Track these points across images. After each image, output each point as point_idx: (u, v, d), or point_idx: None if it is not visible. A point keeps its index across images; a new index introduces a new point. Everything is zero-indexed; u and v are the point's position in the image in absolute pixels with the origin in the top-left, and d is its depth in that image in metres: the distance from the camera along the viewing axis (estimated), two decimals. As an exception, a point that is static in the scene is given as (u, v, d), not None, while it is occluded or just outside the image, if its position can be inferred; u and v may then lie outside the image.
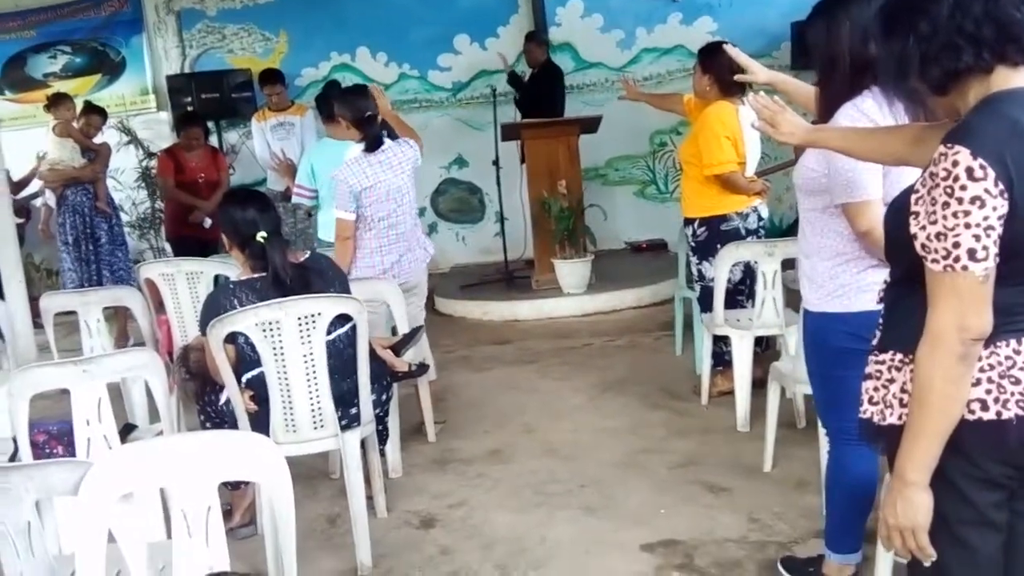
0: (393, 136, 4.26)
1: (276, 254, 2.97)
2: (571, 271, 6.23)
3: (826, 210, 2.30)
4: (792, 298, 3.26)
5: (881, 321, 1.75)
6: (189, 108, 7.32)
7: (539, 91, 7.22)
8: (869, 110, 2.17)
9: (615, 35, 7.93)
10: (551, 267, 6.31)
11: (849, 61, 2.20)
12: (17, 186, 6.90)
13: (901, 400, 1.63)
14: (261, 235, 2.96)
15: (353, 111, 3.92)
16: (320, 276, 3.09)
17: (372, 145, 3.89)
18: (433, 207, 8.25)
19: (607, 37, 7.93)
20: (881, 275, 2.22)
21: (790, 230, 6.38)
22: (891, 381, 1.66)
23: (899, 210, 1.62)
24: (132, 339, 5.89)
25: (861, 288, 2.26)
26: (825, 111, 2.27)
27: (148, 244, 7.67)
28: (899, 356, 1.64)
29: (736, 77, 2.76)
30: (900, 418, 1.62)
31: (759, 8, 7.71)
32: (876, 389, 1.71)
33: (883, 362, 1.69)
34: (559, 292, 6.29)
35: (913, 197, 1.53)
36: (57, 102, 6.18)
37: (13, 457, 2.82)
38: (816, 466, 3.00)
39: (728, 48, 2.77)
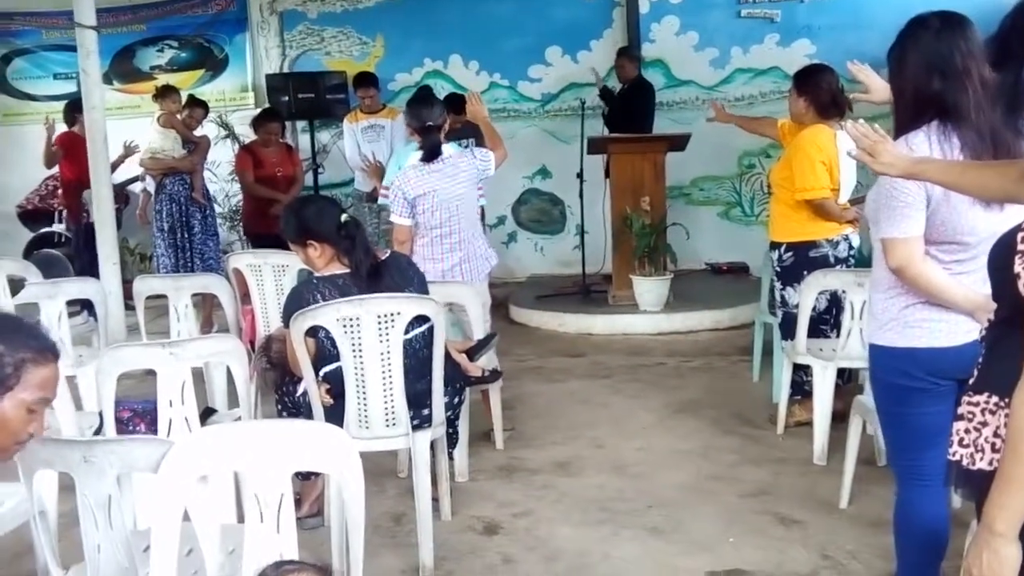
0: (480, 142, 4.28)
1: (359, 248, 3.02)
2: (649, 288, 6.17)
3: (879, 239, 2.25)
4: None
5: (980, 360, 1.68)
6: (285, 105, 7.53)
7: (629, 106, 7.19)
8: (917, 146, 2.13)
9: (709, 53, 7.85)
10: (629, 283, 6.26)
11: (914, 93, 2.17)
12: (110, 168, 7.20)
13: (993, 445, 1.56)
14: (344, 216, 3.03)
15: (416, 119, 3.98)
16: (401, 274, 3.13)
17: (429, 155, 3.93)
18: (514, 216, 8.28)
19: (701, 55, 7.85)
20: (934, 313, 2.18)
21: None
22: (984, 424, 1.59)
23: (1005, 246, 1.56)
24: (216, 326, 6.06)
25: (908, 323, 2.20)
26: (895, 139, 2.22)
27: (237, 236, 7.89)
28: (994, 399, 1.57)
29: (853, 97, 2.71)
30: (991, 463, 1.55)
31: (860, 32, 7.50)
32: (967, 431, 1.64)
33: (976, 404, 1.63)
34: (635, 309, 6.23)
35: (1020, 235, 1.47)
36: (165, 94, 6.44)
37: (98, 431, 2.93)
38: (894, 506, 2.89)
39: (851, 66, 2.74)
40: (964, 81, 2.10)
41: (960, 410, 1.67)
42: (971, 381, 1.70)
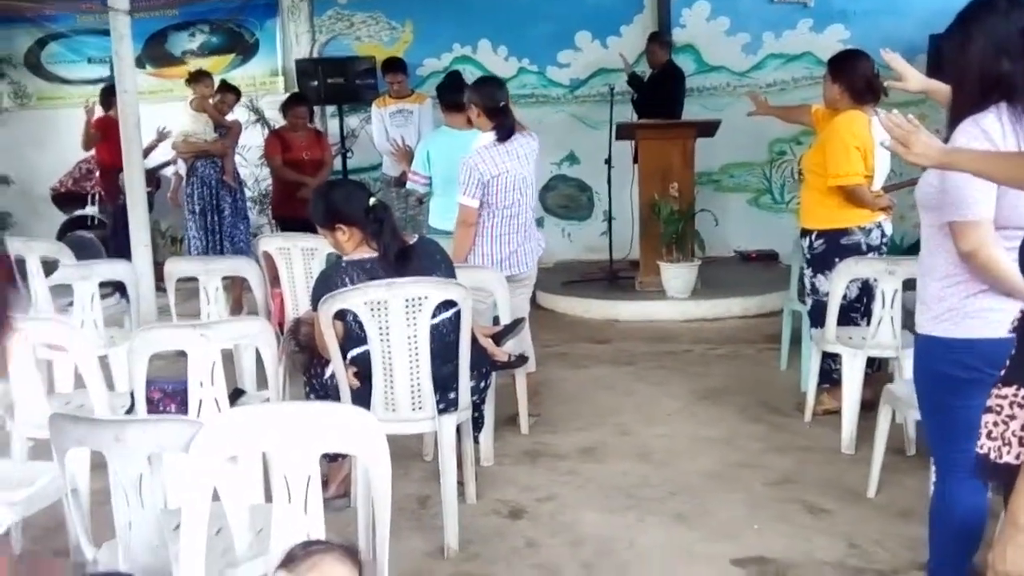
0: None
1: (388, 231, 3.04)
2: (676, 274, 6.14)
3: (940, 228, 2.20)
4: (910, 320, 3.11)
5: (1012, 352, 1.66)
6: (315, 90, 7.56)
7: (658, 92, 7.12)
8: (989, 126, 2.08)
9: (741, 39, 7.74)
10: (656, 269, 6.22)
11: (979, 75, 2.12)
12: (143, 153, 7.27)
13: (1021, 439, 1.54)
14: (372, 200, 3.04)
15: (488, 100, 3.96)
16: (429, 258, 3.14)
17: (505, 135, 3.93)
18: (542, 202, 8.23)
19: (732, 40, 7.75)
20: (994, 302, 2.14)
21: (911, 249, 6.10)
22: (1011, 418, 1.58)
23: None
24: (246, 308, 6.12)
25: (968, 314, 2.16)
26: (951, 123, 2.18)
27: (266, 219, 7.95)
28: (1023, 392, 1.55)
29: (888, 84, 2.67)
30: (1018, 457, 1.54)
31: (895, 18, 7.39)
32: (996, 424, 1.63)
33: (1005, 396, 1.61)
34: (663, 295, 6.20)
35: None
36: (198, 78, 6.49)
37: (130, 411, 2.98)
38: (924, 496, 2.86)
39: (884, 54, 2.70)
40: None
41: (989, 402, 1.65)
42: (1003, 372, 1.68)
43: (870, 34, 7.39)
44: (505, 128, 3.94)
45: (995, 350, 2.14)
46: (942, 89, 2.63)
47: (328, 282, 2.98)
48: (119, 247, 6.68)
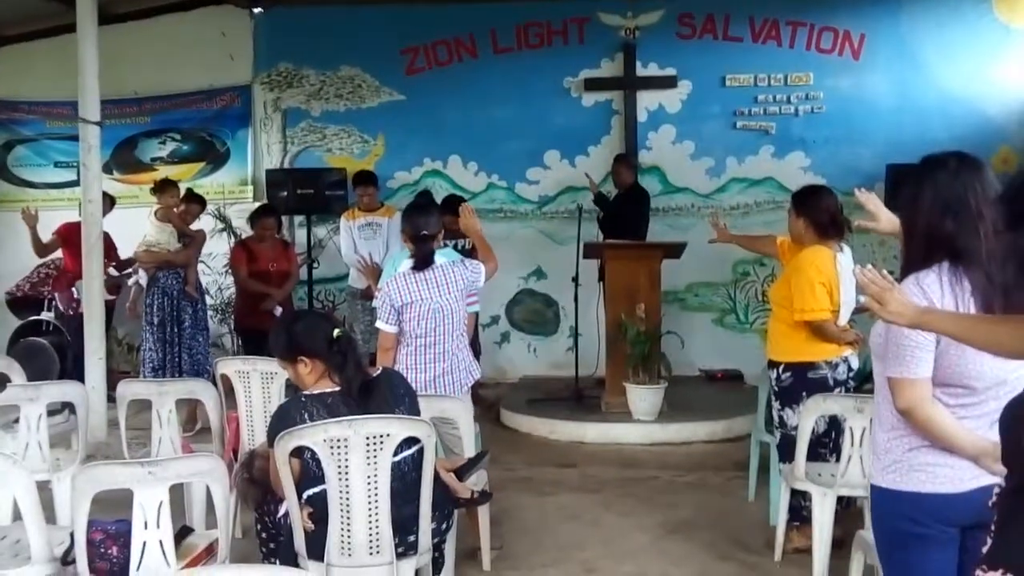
0: (472, 254, 4.26)
1: (351, 365, 2.95)
2: (643, 397, 6.09)
3: (886, 379, 2.18)
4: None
5: (993, 530, 1.60)
6: (284, 200, 7.59)
7: (624, 212, 7.24)
8: (929, 286, 2.10)
9: (705, 162, 7.96)
10: (622, 390, 6.17)
11: (926, 231, 2.15)
12: (123, 265, 7.18)
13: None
14: (337, 331, 2.97)
15: (411, 227, 3.98)
16: (392, 391, 3.05)
17: (420, 264, 3.93)
18: (507, 316, 8.24)
19: (697, 164, 7.96)
20: (939, 457, 2.10)
21: (871, 376, 6.13)
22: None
23: (1014, 416, 1.51)
24: (200, 423, 5.94)
25: (913, 467, 2.13)
26: (902, 274, 2.19)
27: (228, 328, 7.83)
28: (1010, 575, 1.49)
29: (859, 224, 2.70)
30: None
31: (854, 147, 7.66)
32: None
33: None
34: (628, 417, 6.13)
35: None
36: (163, 188, 6.45)
37: (68, 552, 2.80)
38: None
39: (859, 193, 2.73)
40: (977, 224, 2.09)
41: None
42: (985, 551, 1.62)
43: (829, 162, 7.68)
44: (421, 257, 3.94)
45: (943, 506, 2.11)
46: None
47: (286, 418, 2.86)
48: (73, 355, 6.52)
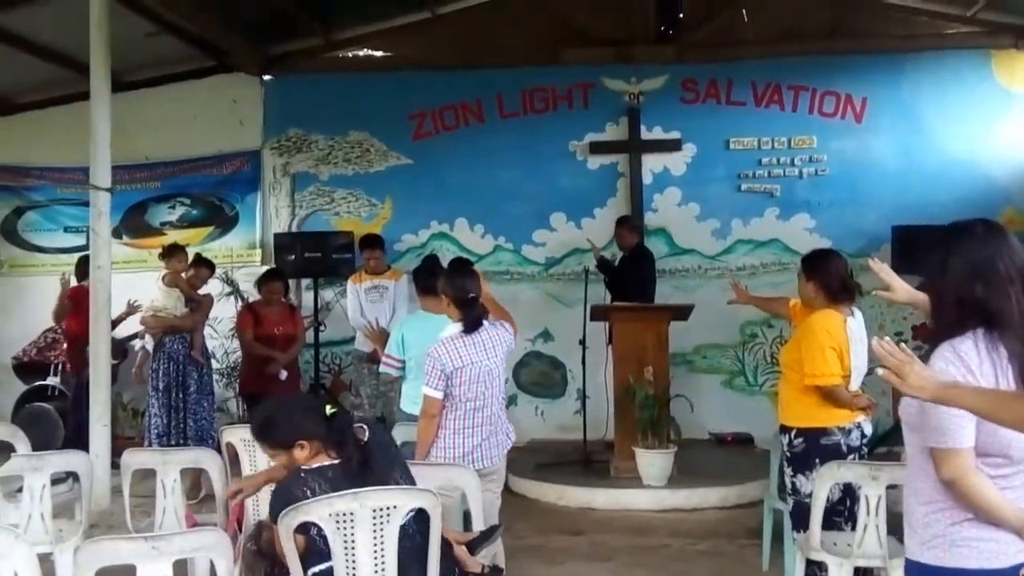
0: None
1: (351, 439, 2.92)
2: (652, 462, 6.01)
3: (922, 450, 2.13)
4: (894, 521, 3.00)
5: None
6: (292, 264, 7.61)
7: (630, 274, 7.24)
8: (966, 353, 2.06)
9: (710, 224, 7.99)
10: (632, 454, 6.09)
11: (956, 300, 2.12)
12: (112, 324, 7.17)
13: None
14: (329, 408, 2.93)
15: (457, 291, 3.93)
16: (384, 453, 3.01)
17: (471, 327, 3.89)
18: (515, 379, 8.18)
19: (703, 226, 7.99)
20: (983, 531, 2.03)
21: (885, 438, 6.04)
22: None
23: None
24: (204, 490, 5.86)
25: (955, 542, 2.06)
26: (931, 344, 2.16)
27: (233, 392, 7.78)
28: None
29: (875, 294, 2.67)
30: None
31: (858, 209, 7.69)
32: None
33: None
34: (638, 482, 6.04)
35: None
36: (171, 253, 6.46)
37: (69, 630, 2.73)
38: None
39: (872, 263, 2.71)
40: (1008, 289, 2.06)
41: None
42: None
43: (834, 223, 7.70)
44: (471, 319, 3.90)
45: None
46: (927, 303, 2.65)
47: (287, 496, 2.79)
48: (78, 422, 6.47)
